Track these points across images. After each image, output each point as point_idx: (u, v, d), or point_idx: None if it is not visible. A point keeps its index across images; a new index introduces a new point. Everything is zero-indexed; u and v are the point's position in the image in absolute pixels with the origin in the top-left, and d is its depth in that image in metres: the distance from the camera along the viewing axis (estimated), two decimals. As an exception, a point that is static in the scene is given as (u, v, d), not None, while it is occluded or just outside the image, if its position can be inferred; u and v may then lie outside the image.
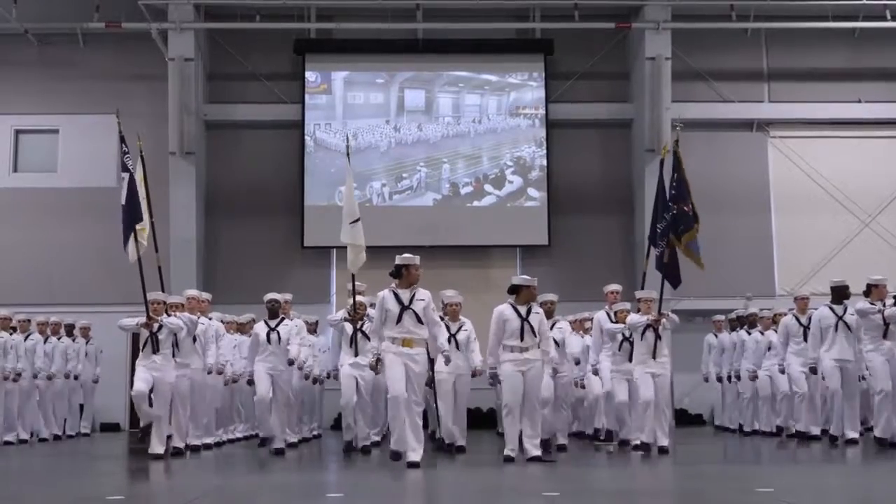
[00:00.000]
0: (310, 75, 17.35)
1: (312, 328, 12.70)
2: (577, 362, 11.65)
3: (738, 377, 13.61)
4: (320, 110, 17.32)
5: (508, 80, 17.54)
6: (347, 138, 11.77)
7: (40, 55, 17.28)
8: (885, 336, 10.55)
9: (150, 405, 9.81)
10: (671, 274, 10.08)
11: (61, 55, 17.25)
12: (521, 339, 9.13)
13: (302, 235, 16.89)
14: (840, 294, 11.08)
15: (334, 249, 16.68)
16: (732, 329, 13.99)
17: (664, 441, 9.84)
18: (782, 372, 12.00)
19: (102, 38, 17.10)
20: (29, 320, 13.67)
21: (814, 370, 11.17)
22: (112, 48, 17.24)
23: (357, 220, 9.85)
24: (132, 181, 10.00)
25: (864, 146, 17.57)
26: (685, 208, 9.96)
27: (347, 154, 10.45)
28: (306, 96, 17.27)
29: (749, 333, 13.40)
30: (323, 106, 17.35)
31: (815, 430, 11.67)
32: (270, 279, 14.77)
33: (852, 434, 10.81)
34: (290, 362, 10.67)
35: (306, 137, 17.15)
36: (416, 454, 8.61)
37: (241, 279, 16.27)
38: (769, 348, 12.83)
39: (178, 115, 16.36)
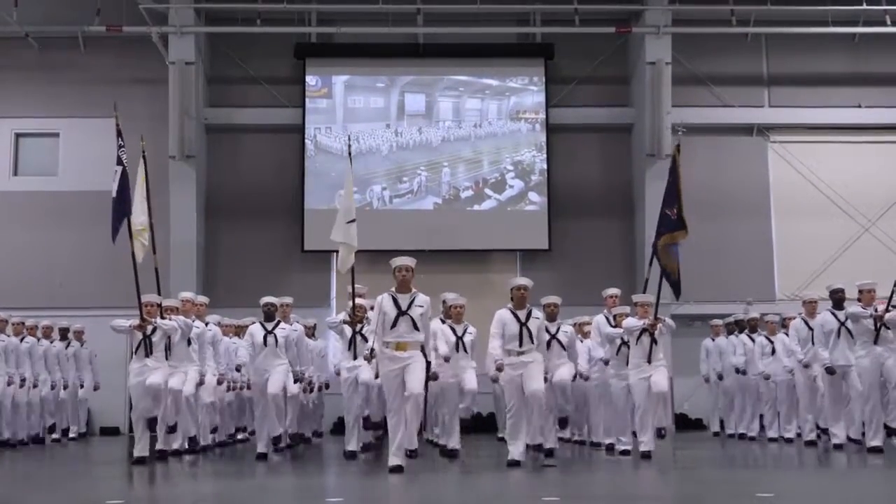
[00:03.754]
0: (310, 79, 17.36)
1: (311, 332, 12.68)
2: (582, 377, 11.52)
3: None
4: (321, 114, 17.33)
5: (509, 84, 17.55)
6: (349, 138, 11.72)
7: (41, 58, 17.28)
8: (875, 341, 10.52)
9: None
10: (672, 281, 10.01)
11: (62, 58, 17.25)
12: (520, 344, 9.15)
13: (302, 239, 16.89)
14: (835, 299, 11.05)
15: (334, 253, 16.56)
16: (730, 333, 13.94)
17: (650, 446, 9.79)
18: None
19: (103, 41, 17.13)
20: (23, 322, 13.62)
21: (830, 370, 10.73)
22: (113, 52, 17.26)
23: (353, 221, 9.79)
24: (125, 175, 9.97)
25: (864, 151, 17.60)
26: (667, 212, 9.92)
27: (349, 154, 10.45)
28: (307, 100, 17.29)
29: (752, 340, 13.22)
30: (323, 110, 17.36)
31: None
32: (270, 283, 14.72)
33: (855, 437, 10.74)
34: (298, 379, 10.92)
35: (307, 141, 17.16)
36: (412, 443, 8.68)
37: (241, 283, 16.27)
38: (773, 353, 12.78)
39: (179, 119, 16.36)
